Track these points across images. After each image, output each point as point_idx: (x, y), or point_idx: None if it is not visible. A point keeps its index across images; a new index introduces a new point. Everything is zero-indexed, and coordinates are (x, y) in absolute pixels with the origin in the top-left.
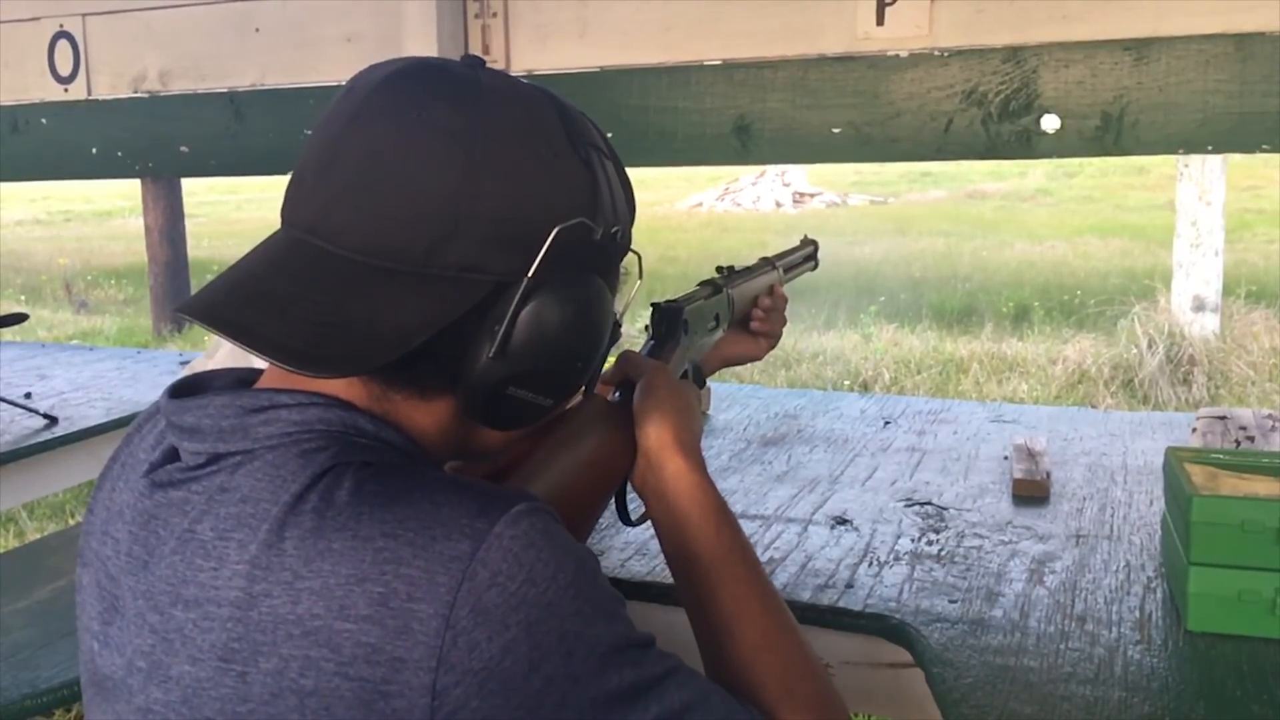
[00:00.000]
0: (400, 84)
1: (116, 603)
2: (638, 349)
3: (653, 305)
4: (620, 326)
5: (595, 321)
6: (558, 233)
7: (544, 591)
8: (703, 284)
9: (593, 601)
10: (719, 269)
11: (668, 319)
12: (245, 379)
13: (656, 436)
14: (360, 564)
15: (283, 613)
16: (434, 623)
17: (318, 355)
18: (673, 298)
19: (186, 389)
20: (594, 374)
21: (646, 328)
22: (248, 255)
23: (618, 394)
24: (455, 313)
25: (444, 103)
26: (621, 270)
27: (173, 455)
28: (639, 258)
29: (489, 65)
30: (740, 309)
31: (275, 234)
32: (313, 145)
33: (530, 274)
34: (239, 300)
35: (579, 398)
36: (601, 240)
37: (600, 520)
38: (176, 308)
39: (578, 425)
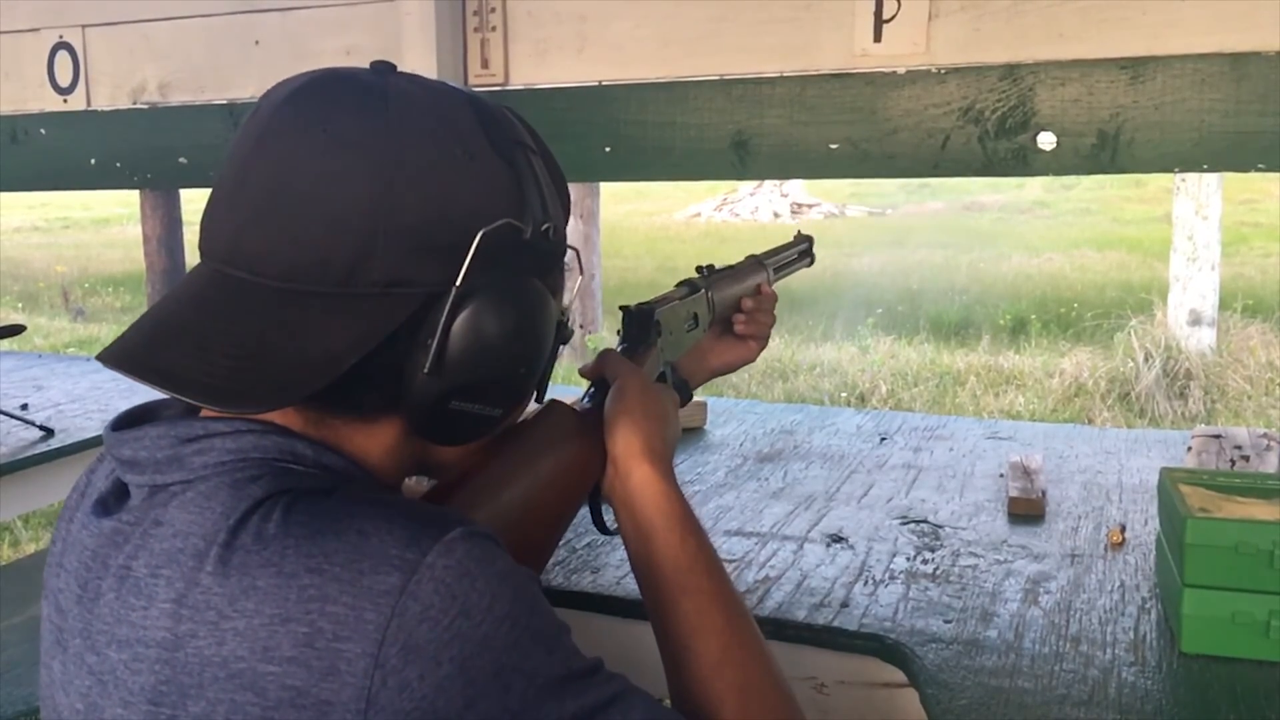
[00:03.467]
0: (304, 99)
1: (62, 637)
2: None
3: (622, 309)
4: (568, 326)
5: (535, 324)
6: (483, 236)
7: (478, 624)
8: (680, 284)
9: (531, 631)
10: (699, 268)
11: (638, 322)
12: (192, 408)
13: (625, 444)
14: (285, 603)
15: (208, 654)
16: (362, 663)
17: (242, 391)
18: (645, 300)
19: (131, 419)
20: (543, 378)
21: (619, 331)
22: (167, 294)
23: (588, 400)
24: (384, 331)
25: (349, 114)
26: (565, 267)
27: (121, 487)
28: (578, 254)
29: (399, 70)
30: (723, 309)
31: (195, 268)
32: (223, 172)
33: (458, 282)
34: (159, 343)
35: (536, 405)
36: (532, 240)
37: (596, 536)
38: (97, 355)
39: (538, 436)
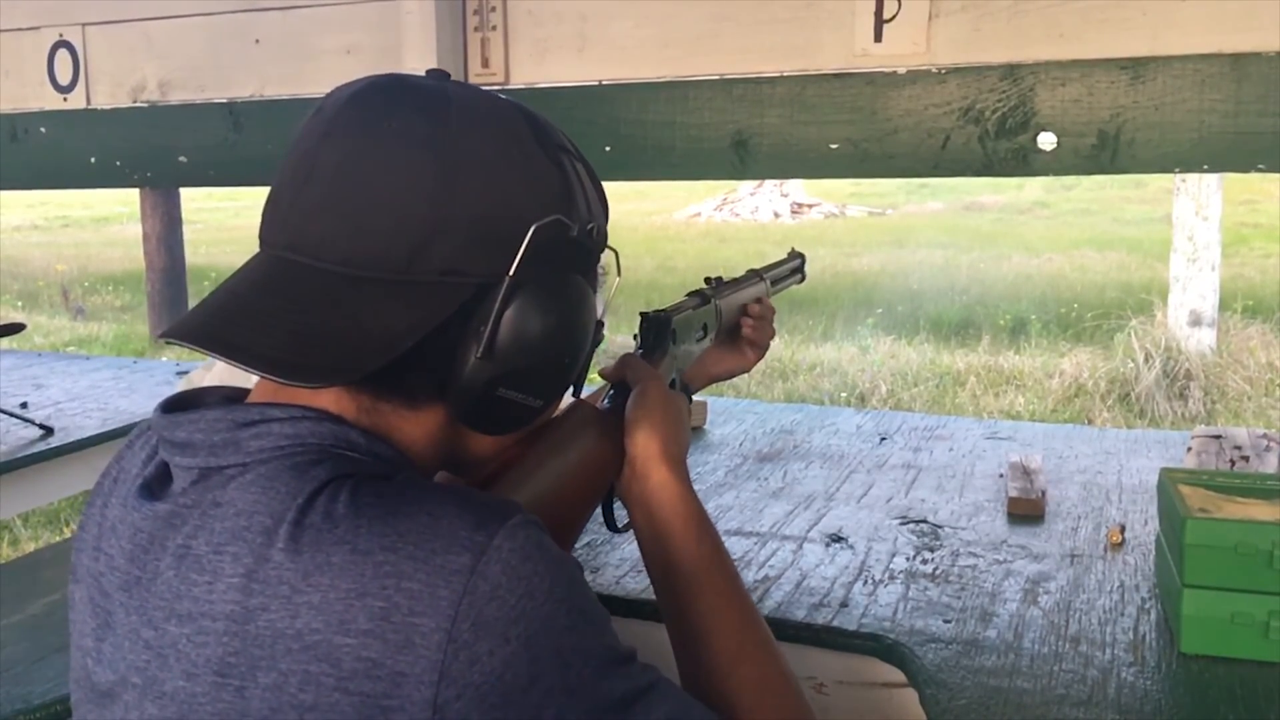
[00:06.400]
0: (370, 98)
1: (110, 618)
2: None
3: (641, 315)
4: (603, 326)
5: (578, 318)
6: (535, 231)
7: (541, 605)
8: (691, 294)
9: (585, 614)
10: (707, 279)
11: (656, 328)
12: (235, 397)
13: (644, 446)
14: (360, 578)
15: (281, 627)
16: (436, 636)
17: (305, 365)
18: (661, 307)
19: (178, 404)
20: (581, 373)
21: (635, 336)
22: (229, 279)
23: (608, 400)
24: (440, 317)
25: (414, 112)
26: (600, 270)
27: (165, 471)
28: (616, 255)
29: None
30: (727, 320)
31: (256, 256)
32: (286, 165)
33: (511, 273)
34: (221, 320)
35: (567, 401)
36: (578, 237)
37: (595, 537)
38: (161, 333)
39: (565, 433)
